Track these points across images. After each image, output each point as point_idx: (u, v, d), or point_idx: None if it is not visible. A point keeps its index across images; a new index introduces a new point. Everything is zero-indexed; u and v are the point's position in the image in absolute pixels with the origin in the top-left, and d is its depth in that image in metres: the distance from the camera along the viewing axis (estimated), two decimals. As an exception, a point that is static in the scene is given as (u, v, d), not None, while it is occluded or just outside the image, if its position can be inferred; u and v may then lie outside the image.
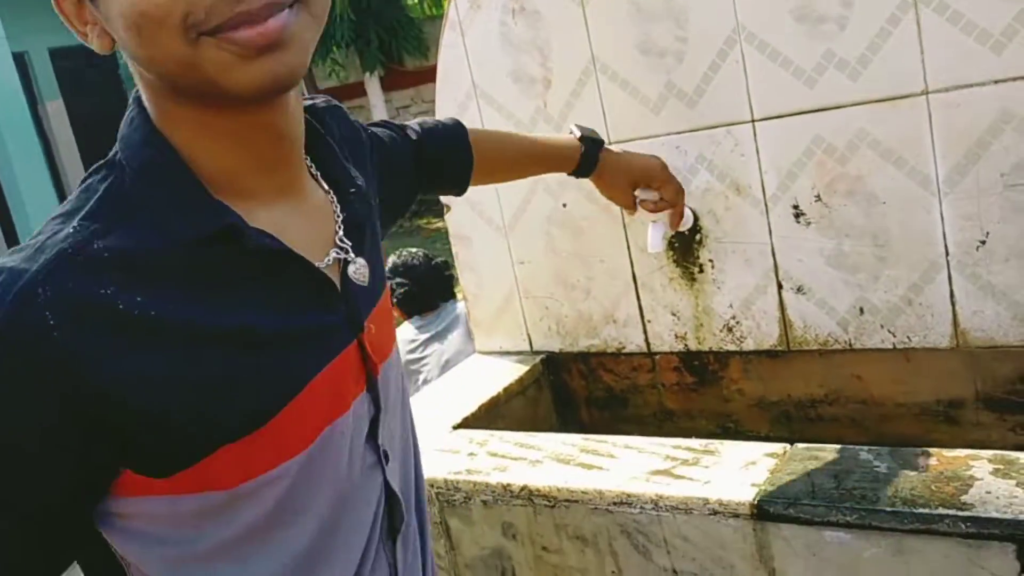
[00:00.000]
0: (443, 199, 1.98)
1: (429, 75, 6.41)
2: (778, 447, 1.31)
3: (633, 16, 1.64)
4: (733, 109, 1.59)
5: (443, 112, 1.91)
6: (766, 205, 1.62)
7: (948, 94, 1.41)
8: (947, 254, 1.48)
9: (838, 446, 1.28)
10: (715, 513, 1.23)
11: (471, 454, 1.54)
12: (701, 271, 1.73)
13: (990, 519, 1.05)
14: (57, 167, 10.75)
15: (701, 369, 1.79)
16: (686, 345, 1.79)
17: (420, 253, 3.28)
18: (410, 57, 10.65)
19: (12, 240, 9.06)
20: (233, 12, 0.66)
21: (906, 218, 1.50)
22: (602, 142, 1.52)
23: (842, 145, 1.51)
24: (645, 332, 1.83)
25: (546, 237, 1.88)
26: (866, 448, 1.26)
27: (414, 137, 1.25)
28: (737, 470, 1.28)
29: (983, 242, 1.45)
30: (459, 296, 2.94)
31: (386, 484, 0.90)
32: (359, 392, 0.86)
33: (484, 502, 1.45)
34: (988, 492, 1.09)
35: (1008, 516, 1.05)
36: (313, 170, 0.88)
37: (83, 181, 0.76)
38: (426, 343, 3.14)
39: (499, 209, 1.92)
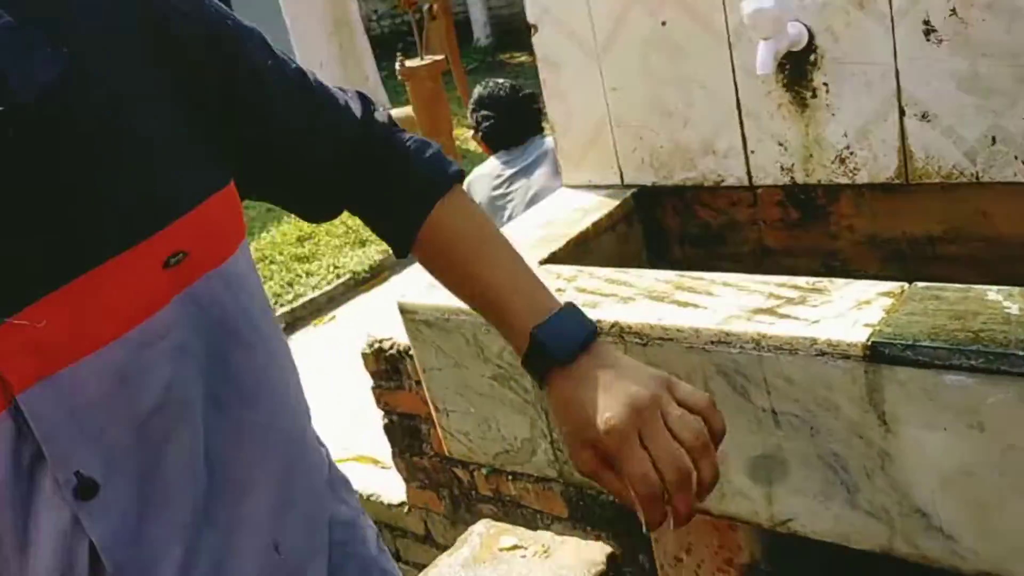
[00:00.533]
0: (530, 17, 1.85)
1: None
2: (894, 286, 1.21)
3: None
4: (862, -93, 1.40)
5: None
6: (892, 20, 1.44)
7: None
8: (1104, 74, 1.31)
9: (962, 286, 1.17)
10: (823, 354, 1.15)
11: (559, 290, 1.47)
12: (814, 96, 1.57)
13: None
14: None
15: (808, 203, 1.67)
16: (792, 178, 1.66)
17: (507, 84, 3.14)
18: None
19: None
20: None
21: (1055, 33, 1.31)
22: (558, 360, 0.87)
23: (989, -54, 1.32)
24: (747, 164, 1.70)
25: (642, 60, 1.74)
26: (995, 288, 1.15)
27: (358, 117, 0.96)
28: (848, 309, 1.19)
29: None
30: (547, 131, 2.82)
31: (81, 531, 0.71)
32: None
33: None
34: None
35: None
36: None
37: None
38: (512, 178, 3.05)
39: (591, 28, 1.78)
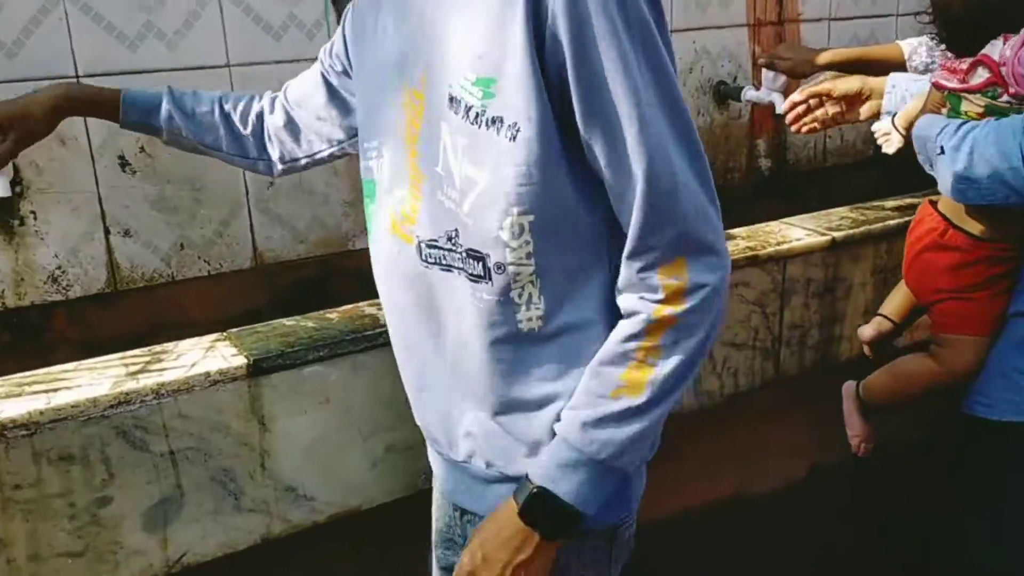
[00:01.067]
0: None
1: None
2: (218, 335, 1.56)
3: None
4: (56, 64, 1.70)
5: None
6: (93, 155, 1.76)
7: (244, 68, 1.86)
8: (247, 194, 1.92)
9: (265, 324, 1.61)
10: (216, 383, 1.43)
11: None
12: (23, 224, 1.73)
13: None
14: None
15: (21, 325, 1.77)
16: (3, 304, 1.75)
17: None
18: None
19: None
20: None
21: (213, 164, 1.88)
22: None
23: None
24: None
25: None
26: (287, 319, 1.63)
27: None
28: (206, 352, 1.49)
29: (271, 183, 1.94)
30: None
31: None
32: None
33: (-71, 461, 1.26)
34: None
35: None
36: None
37: None
38: None
39: None
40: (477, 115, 0.90)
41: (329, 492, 1.56)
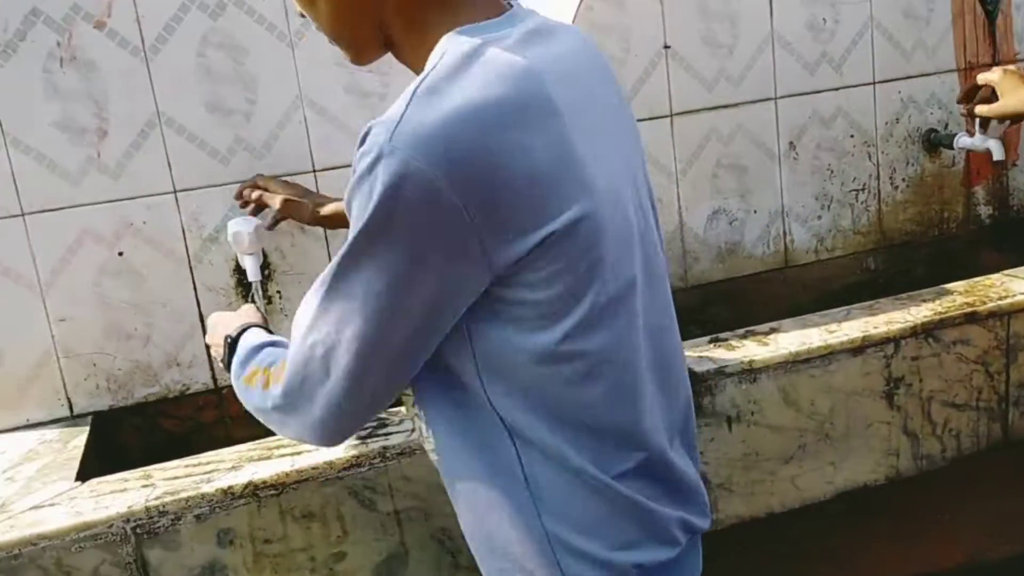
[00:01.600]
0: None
1: None
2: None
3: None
4: (297, 162, 1.92)
5: (-42, 160, 1.73)
6: (327, 241, 1.97)
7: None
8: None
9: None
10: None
11: (147, 486, 1.50)
12: (270, 303, 1.96)
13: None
14: None
15: (268, 393, 1.99)
16: (254, 374, 1.97)
17: None
18: None
19: None
20: None
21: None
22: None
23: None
24: (212, 370, 1.95)
25: (95, 288, 1.85)
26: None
27: None
28: (426, 419, 1.62)
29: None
30: None
31: None
32: None
33: (198, 516, 1.45)
34: None
35: None
36: None
37: None
38: None
39: (32, 263, 1.80)
40: None
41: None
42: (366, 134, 0.83)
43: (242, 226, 1.82)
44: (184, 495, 1.45)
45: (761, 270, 2.36)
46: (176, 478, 1.52)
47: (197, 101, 1.85)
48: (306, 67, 1.90)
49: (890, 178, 2.44)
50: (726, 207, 2.30)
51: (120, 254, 1.85)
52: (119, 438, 1.91)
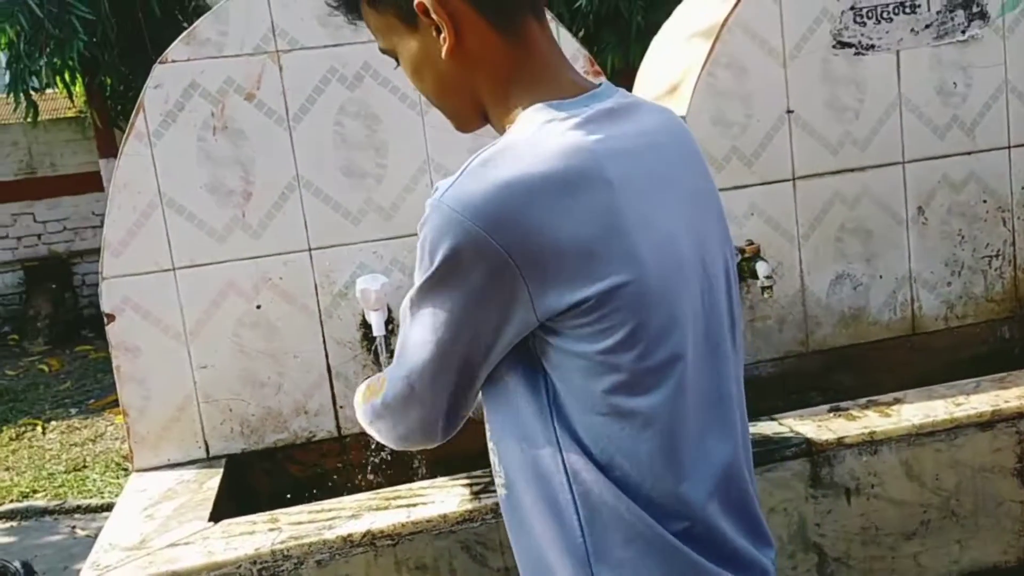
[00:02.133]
0: (106, 307, 1.92)
1: None
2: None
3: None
4: (422, 222, 2.01)
5: (120, 217, 1.90)
6: (448, 297, 2.04)
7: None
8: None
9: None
10: (545, 506, 1.58)
11: (273, 530, 1.58)
12: (392, 356, 2.04)
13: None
14: None
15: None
16: (376, 424, 2.05)
17: None
18: None
19: None
20: None
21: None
22: None
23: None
24: (337, 418, 2.04)
25: (234, 339, 1.98)
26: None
27: None
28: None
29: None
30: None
31: None
32: None
33: (319, 562, 1.53)
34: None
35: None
36: None
37: None
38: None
39: (180, 314, 1.95)
40: None
41: None
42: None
43: (370, 283, 1.92)
44: (307, 540, 1.53)
45: (886, 337, 2.30)
46: (300, 523, 1.59)
47: (333, 165, 1.97)
48: (434, 133, 1.99)
49: (1027, 244, 2.35)
50: (850, 272, 2.26)
51: (258, 307, 1.98)
52: (249, 480, 2.02)
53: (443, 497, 1.62)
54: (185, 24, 5.98)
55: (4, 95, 6.41)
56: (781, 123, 2.17)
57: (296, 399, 2.02)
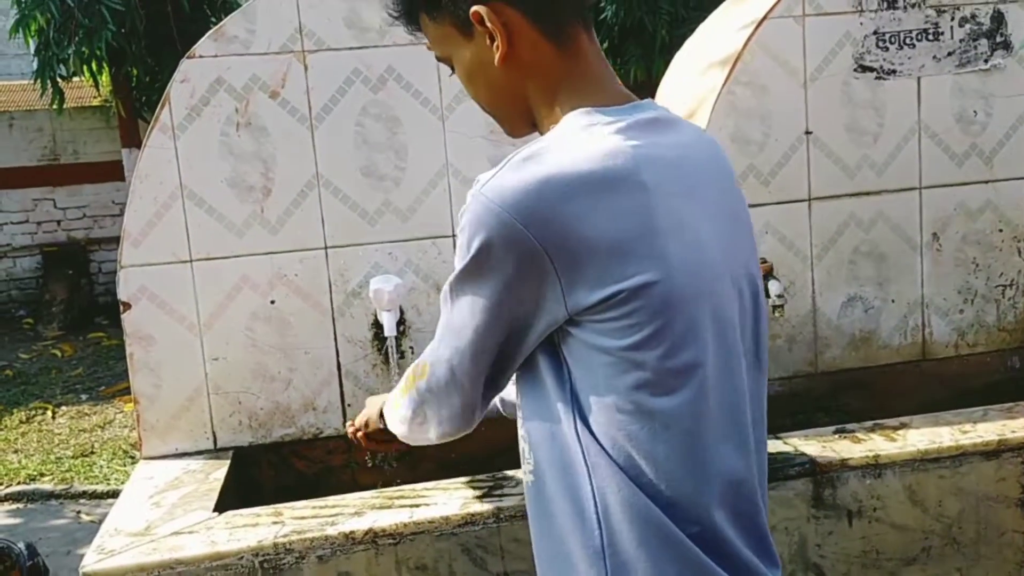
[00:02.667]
0: (123, 296, 1.94)
1: None
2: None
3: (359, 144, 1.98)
4: (438, 227, 2.03)
5: (140, 207, 1.93)
6: (460, 302, 2.06)
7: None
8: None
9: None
10: (547, 513, 1.59)
11: (277, 523, 1.60)
12: (403, 357, 2.06)
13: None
14: None
15: (395, 444, 2.08)
16: (382, 424, 2.07)
17: None
18: None
19: None
20: None
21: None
22: None
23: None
24: (344, 416, 2.06)
25: (247, 333, 2.00)
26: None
27: None
28: (541, 484, 1.66)
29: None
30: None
31: None
32: None
33: (320, 557, 1.54)
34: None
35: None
36: None
37: None
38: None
39: (195, 306, 1.97)
40: None
41: None
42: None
43: (383, 284, 1.93)
44: (309, 535, 1.54)
45: (896, 361, 2.30)
46: (303, 518, 1.61)
47: (353, 166, 1.99)
48: (454, 138, 2.01)
49: (1042, 275, 2.34)
50: (862, 294, 2.26)
51: (272, 302, 2.00)
52: (255, 473, 2.03)
53: (446, 499, 1.64)
54: (213, 20, 6.04)
55: (31, 81, 6.49)
56: (799, 143, 2.18)
57: (305, 395, 2.04)
